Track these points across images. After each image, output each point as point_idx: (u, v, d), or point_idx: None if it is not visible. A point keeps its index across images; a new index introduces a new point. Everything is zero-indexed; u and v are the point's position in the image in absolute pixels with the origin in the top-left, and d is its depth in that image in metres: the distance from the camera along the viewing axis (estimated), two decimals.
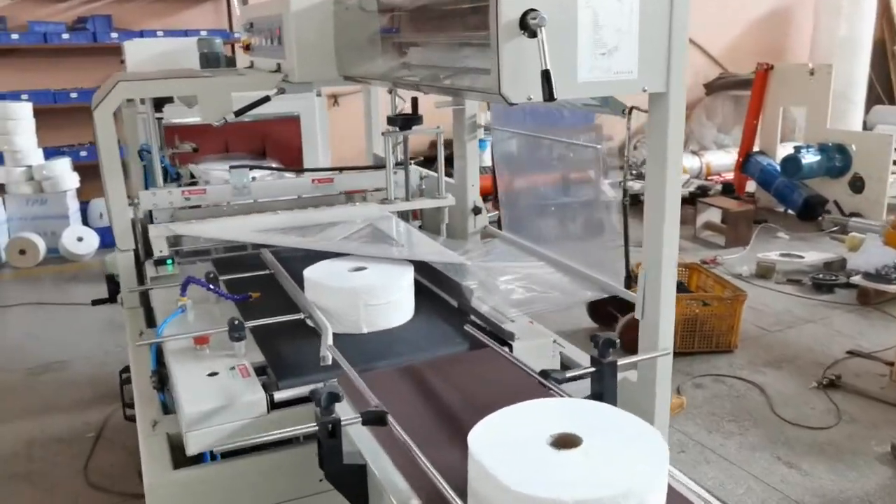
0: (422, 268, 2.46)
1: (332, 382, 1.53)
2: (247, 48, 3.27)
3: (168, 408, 2.08)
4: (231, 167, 2.89)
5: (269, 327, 2.10)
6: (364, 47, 2.42)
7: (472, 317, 2.22)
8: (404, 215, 3.06)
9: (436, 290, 2.48)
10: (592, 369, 1.65)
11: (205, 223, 2.74)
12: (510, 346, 2.05)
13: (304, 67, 2.70)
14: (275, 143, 4.55)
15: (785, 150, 7.47)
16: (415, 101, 2.93)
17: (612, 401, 1.63)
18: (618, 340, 1.64)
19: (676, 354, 4.35)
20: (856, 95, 9.27)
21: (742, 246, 6.56)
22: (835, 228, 6.71)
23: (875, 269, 5.30)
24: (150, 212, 2.85)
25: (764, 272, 5.83)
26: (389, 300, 2.17)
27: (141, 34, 6.80)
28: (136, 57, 3.92)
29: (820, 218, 7.04)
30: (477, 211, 3.14)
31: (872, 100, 9.88)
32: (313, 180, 3.06)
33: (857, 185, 7.06)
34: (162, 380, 2.11)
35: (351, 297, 2.14)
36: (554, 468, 1.22)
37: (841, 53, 8.92)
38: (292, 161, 4.49)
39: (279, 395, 1.83)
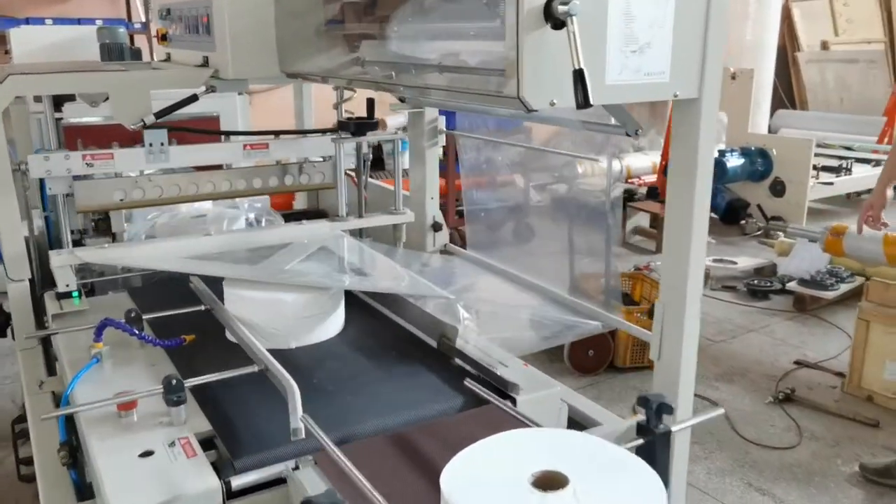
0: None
1: (325, 488, 1.15)
2: (163, 38, 2.80)
3: (83, 491, 1.64)
4: (145, 126, 2.41)
5: (213, 383, 1.68)
6: (313, 38, 2.04)
7: (458, 360, 1.88)
8: (354, 234, 2.68)
9: (404, 325, 2.13)
10: (640, 441, 1.34)
11: (124, 248, 2.28)
12: (513, 400, 1.71)
13: (239, 62, 2.30)
14: None
15: None
16: (371, 104, 2.55)
17: (665, 478, 1.32)
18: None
19: (627, 370, 4.14)
20: (763, 100, 9.47)
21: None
22: (758, 232, 6.74)
23: (810, 274, 5.29)
24: (50, 233, 2.36)
25: None
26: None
27: (27, 21, 6.07)
28: (24, 47, 3.34)
29: (743, 222, 7.07)
30: (437, 227, 2.79)
31: (776, 104, 10.15)
32: (245, 146, 2.62)
33: (778, 189, 7.13)
34: (73, 454, 1.66)
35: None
36: None
37: (748, 58, 9.07)
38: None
39: (237, 481, 1.43)
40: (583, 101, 1.21)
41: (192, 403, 1.65)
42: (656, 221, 6.55)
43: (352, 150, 2.77)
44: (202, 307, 2.15)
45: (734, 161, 7.03)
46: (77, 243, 2.46)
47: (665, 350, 1.70)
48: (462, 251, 2.78)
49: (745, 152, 7.13)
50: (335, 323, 2.10)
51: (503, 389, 1.74)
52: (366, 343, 2.05)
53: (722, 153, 7.16)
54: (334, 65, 1.98)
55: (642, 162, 8.93)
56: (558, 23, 1.19)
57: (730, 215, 7.24)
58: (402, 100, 2.69)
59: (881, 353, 3.91)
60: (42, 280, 2.47)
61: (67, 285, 2.16)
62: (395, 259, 2.38)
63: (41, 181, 2.46)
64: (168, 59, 2.91)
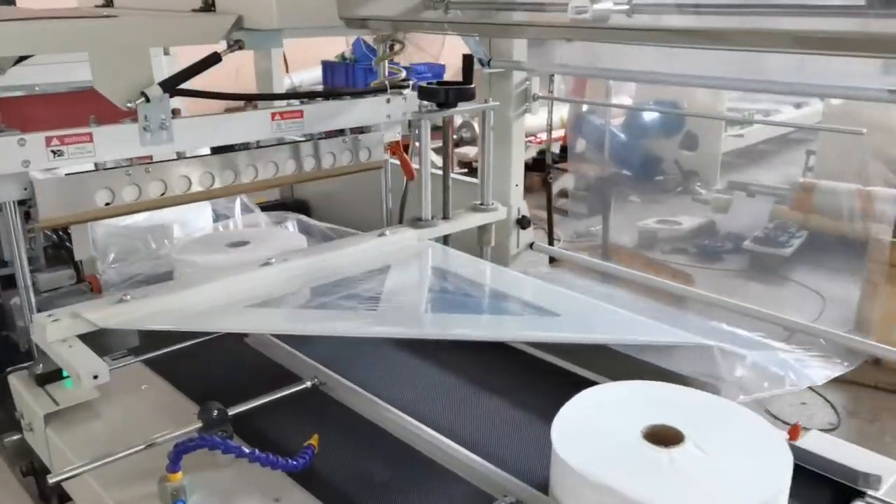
0: None
1: None
2: None
3: None
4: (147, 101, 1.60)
5: None
6: None
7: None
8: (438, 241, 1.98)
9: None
10: None
11: (161, 299, 1.45)
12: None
13: (286, 5, 1.57)
14: None
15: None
16: (468, 62, 1.84)
17: None
18: None
19: None
20: None
21: (599, 214, 6.17)
22: (679, 189, 6.61)
23: (764, 232, 5.16)
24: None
25: (649, 242, 5.48)
26: None
27: None
28: None
29: (660, 178, 6.92)
30: (524, 223, 2.15)
31: None
32: (273, 115, 1.83)
33: (690, 143, 7.02)
34: None
35: None
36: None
37: None
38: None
39: None
40: None
41: None
42: (587, 183, 6.20)
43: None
44: (307, 383, 1.40)
45: (648, 116, 6.83)
46: None
47: None
48: (555, 249, 2.17)
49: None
50: None
51: (849, 484, 1.20)
52: None
53: (635, 108, 6.92)
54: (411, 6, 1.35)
55: (537, 120, 8.57)
56: None
57: (646, 172, 7.05)
58: (482, 63, 2.00)
59: (891, 315, 3.77)
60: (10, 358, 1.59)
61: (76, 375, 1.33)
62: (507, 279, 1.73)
63: None
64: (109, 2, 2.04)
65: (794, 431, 1.45)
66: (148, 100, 1.62)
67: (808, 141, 8.11)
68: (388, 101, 2.06)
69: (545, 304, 1.50)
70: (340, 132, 2.00)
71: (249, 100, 1.83)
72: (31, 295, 1.71)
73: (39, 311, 1.58)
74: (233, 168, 1.86)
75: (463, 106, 1.87)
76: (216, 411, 1.29)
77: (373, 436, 1.36)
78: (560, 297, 1.54)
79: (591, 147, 7.55)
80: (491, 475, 1.16)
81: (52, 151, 1.58)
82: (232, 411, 1.31)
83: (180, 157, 1.77)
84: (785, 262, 5.10)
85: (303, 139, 1.97)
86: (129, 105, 1.61)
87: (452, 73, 7.24)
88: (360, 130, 2.07)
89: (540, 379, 1.58)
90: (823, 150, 6.55)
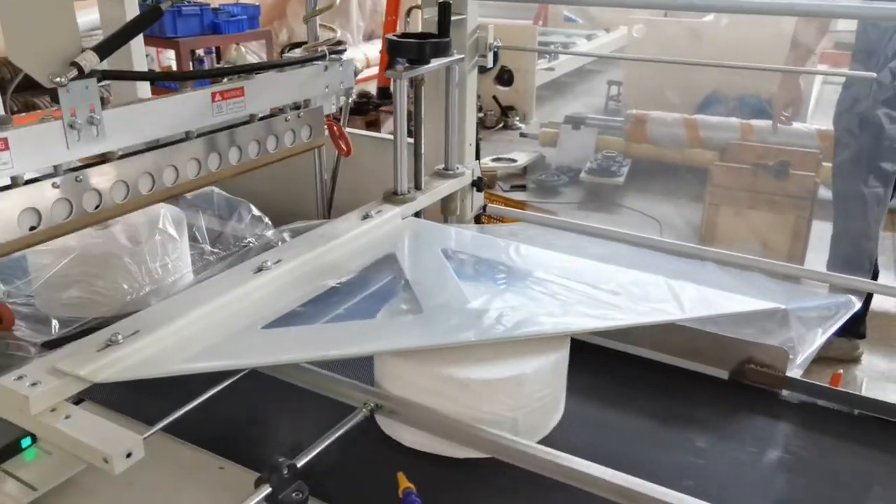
0: None
1: None
2: None
3: None
4: (81, 76, 1.24)
5: None
6: None
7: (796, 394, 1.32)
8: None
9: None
10: None
11: (150, 336, 1.12)
12: None
13: None
14: None
15: None
16: (445, 8, 1.62)
17: None
18: None
19: None
20: None
21: None
22: (500, 125, 6.73)
23: (597, 164, 5.39)
24: None
25: (490, 180, 5.53)
26: None
27: None
28: None
29: (480, 115, 6.99)
30: (480, 185, 2.00)
31: None
32: (214, 95, 1.53)
33: (505, 79, 7.13)
34: None
35: None
36: None
37: None
38: None
39: None
40: None
41: None
42: None
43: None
44: (363, 411, 1.18)
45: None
46: None
47: None
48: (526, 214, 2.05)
49: None
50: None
51: None
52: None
53: None
54: None
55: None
56: None
57: None
58: None
59: (729, 237, 4.10)
60: None
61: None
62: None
63: None
64: None
65: (835, 379, 1.47)
66: (81, 72, 1.22)
67: (602, 72, 8.58)
68: (326, 68, 1.76)
69: (593, 281, 1.38)
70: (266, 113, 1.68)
71: (181, 79, 1.47)
72: None
73: None
74: (175, 165, 1.49)
75: (439, 61, 1.64)
76: (286, 469, 1.03)
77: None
78: (603, 272, 1.42)
79: None
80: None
81: None
82: (300, 462, 1.06)
83: (108, 158, 1.38)
84: (617, 189, 5.38)
85: (243, 122, 1.63)
86: (56, 80, 1.20)
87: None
88: (296, 106, 1.77)
89: (633, 372, 1.48)
90: (629, 80, 6.96)
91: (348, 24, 8.86)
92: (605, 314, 1.29)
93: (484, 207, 2.08)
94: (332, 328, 1.23)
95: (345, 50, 1.80)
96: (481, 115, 7.03)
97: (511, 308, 1.28)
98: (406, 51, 1.62)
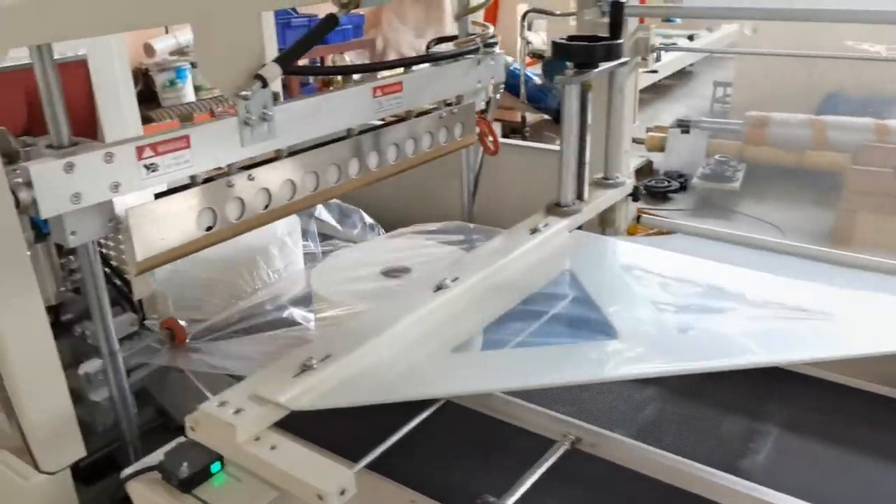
0: None
1: None
2: None
3: None
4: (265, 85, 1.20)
5: None
6: None
7: None
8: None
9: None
10: None
11: (342, 361, 1.06)
12: None
13: None
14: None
15: None
16: (618, 10, 1.52)
17: None
18: None
19: None
20: None
21: None
22: None
23: (710, 169, 5.16)
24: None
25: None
26: None
27: None
28: None
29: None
30: (636, 195, 1.89)
31: None
32: (375, 90, 1.45)
33: None
34: None
35: None
36: None
37: None
38: (83, 131, 2.44)
39: None
40: None
41: None
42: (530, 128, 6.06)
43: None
44: (564, 445, 1.09)
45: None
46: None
47: None
48: (675, 223, 1.92)
49: None
50: None
51: None
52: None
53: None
54: None
55: None
56: None
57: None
58: None
59: (867, 244, 3.84)
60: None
61: None
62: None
63: (33, 222, 1.14)
64: None
65: None
66: (265, 84, 1.19)
67: (704, 73, 8.28)
68: (479, 62, 1.71)
69: (803, 303, 1.25)
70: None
71: (348, 73, 1.42)
72: (121, 367, 1.26)
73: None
74: (338, 163, 1.45)
75: (605, 66, 1.55)
76: None
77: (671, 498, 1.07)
78: (809, 292, 1.29)
79: (506, 90, 7.29)
80: None
81: (146, 166, 1.12)
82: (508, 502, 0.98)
83: (278, 155, 1.35)
84: (731, 195, 5.14)
85: (398, 119, 1.58)
86: (242, 94, 1.17)
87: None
88: (447, 103, 1.72)
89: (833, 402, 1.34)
90: (741, 81, 6.65)
91: (443, 19, 8.84)
92: (825, 342, 1.16)
93: (638, 217, 1.97)
94: (525, 354, 1.15)
95: (496, 44, 1.75)
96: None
97: (720, 335, 1.17)
98: (575, 54, 1.53)
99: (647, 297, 1.28)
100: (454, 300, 1.26)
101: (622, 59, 1.61)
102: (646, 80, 7.15)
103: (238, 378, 1.19)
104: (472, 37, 1.72)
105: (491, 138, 1.86)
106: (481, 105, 1.83)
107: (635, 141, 6.21)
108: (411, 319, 1.20)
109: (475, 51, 1.70)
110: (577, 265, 1.41)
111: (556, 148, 1.69)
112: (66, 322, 1.44)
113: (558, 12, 3.70)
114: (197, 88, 6.66)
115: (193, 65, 6.66)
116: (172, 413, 1.49)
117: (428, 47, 1.88)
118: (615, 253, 1.48)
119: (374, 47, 5.78)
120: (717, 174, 5.15)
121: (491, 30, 1.76)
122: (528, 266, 1.40)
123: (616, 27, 1.56)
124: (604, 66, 1.56)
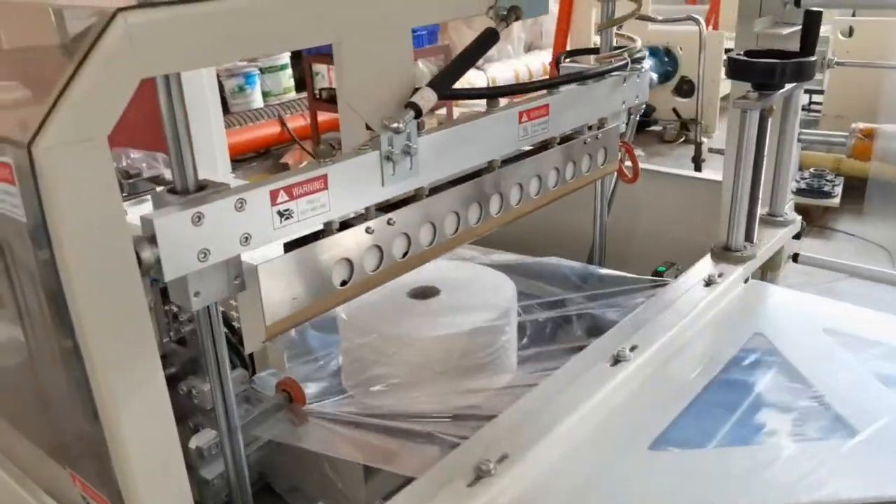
0: None
1: None
2: None
3: None
4: (419, 115, 1.00)
5: None
6: None
7: None
8: None
9: None
10: None
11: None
12: None
13: None
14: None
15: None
16: (815, 19, 1.28)
17: None
18: None
19: None
20: None
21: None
22: (682, 139, 6.27)
23: (806, 183, 4.83)
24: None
25: None
26: None
27: None
28: None
29: (659, 128, 6.56)
30: (799, 234, 1.64)
31: None
32: (521, 115, 1.26)
33: (685, 90, 6.66)
34: None
35: None
36: None
37: None
38: (152, 144, 2.27)
39: None
40: None
41: None
42: None
43: None
44: None
45: (646, 62, 6.38)
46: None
47: None
48: (837, 263, 1.67)
49: (652, 51, 6.51)
50: None
51: None
52: None
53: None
54: None
55: (504, 72, 8.06)
56: None
57: (641, 122, 6.64)
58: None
59: None
60: None
61: None
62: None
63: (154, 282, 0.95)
64: None
65: None
66: (419, 113, 0.99)
67: None
68: (625, 80, 1.49)
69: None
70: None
71: (501, 95, 1.22)
72: (241, 446, 1.07)
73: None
74: (479, 201, 1.24)
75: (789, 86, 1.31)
76: None
77: None
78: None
79: None
80: None
81: (279, 213, 0.93)
82: None
83: (418, 195, 1.14)
84: (828, 212, 4.80)
85: (539, 147, 1.37)
86: (392, 126, 0.97)
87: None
88: (589, 127, 1.50)
89: None
90: (834, 87, 6.27)
91: (509, 35, 8.67)
92: None
93: (795, 257, 1.72)
94: (740, 456, 0.92)
95: (644, 58, 1.53)
96: (659, 127, 6.59)
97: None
98: (758, 73, 1.29)
99: (872, 373, 1.04)
100: (633, 377, 1.04)
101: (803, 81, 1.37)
102: (727, 86, 6.82)
103: None
104: (621, 51, 1.50)
105: (629, 164, 1.64)
106: (623, 128, 1.61)
107: (717, 152, 5.89)
108: (590, 404, 0.98)
109: (624, 66, 1.48)
110: (770, 328, 1.18)
111: (702, 175, 1.46)
112: (168, 377, 1.27)
113: (660, 18, 3.45)
114: (265, 94, 6.58)
115: (262, 70, 6.58)
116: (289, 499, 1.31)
117: (558, 62, 1.67)
118: (811, 311, 1.23)
119: (449, 53, 5.60)
120: (814, 189, 4.82)
121: (639, 43, 1.54)
122: (706, 328, 1.18)
123: (811, 43, 1.31)
124: (789, 86, 1.33)
